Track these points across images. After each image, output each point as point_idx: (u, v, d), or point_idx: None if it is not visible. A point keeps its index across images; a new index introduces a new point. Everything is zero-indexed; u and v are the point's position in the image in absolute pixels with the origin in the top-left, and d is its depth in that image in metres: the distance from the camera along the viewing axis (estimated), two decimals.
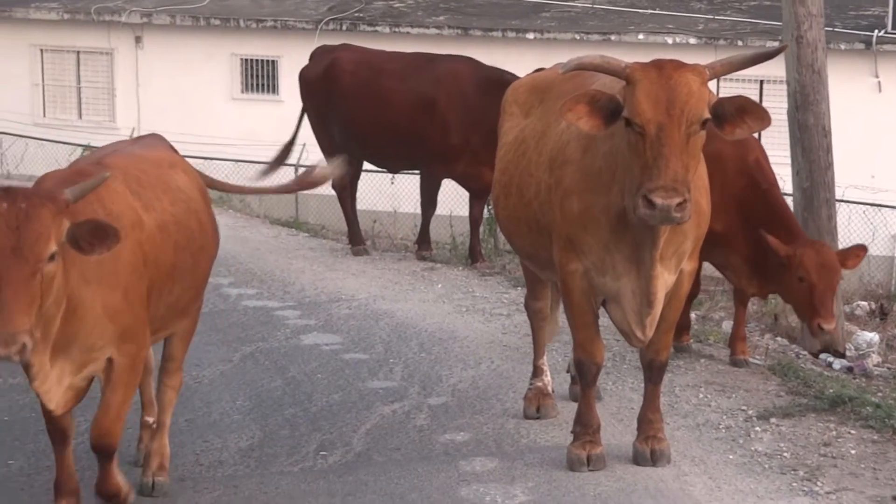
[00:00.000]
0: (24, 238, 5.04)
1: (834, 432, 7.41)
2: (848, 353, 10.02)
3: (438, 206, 12.98)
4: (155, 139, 6.97)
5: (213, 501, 6.43)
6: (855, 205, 17.55)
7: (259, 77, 25.13)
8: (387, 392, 8.24)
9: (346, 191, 13.32)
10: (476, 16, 24.43)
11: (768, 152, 8.85)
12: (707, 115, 5.89)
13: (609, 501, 6.34)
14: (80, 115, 26.38)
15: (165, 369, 6.65)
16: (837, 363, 9.64)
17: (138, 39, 25.70)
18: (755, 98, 6.50)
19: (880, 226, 19.00)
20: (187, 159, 6.86)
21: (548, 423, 7.51)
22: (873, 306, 14.10)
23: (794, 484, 6.60)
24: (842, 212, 12.18)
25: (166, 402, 6.63)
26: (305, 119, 13.48)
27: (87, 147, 19.90)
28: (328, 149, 13.30)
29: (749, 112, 6.03)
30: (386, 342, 9.54)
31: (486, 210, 12.99)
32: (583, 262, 6.49)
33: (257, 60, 25.08)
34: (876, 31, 21.59)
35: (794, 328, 10.41)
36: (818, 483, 6.61)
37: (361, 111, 12.68)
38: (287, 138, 13.27)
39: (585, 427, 6.78)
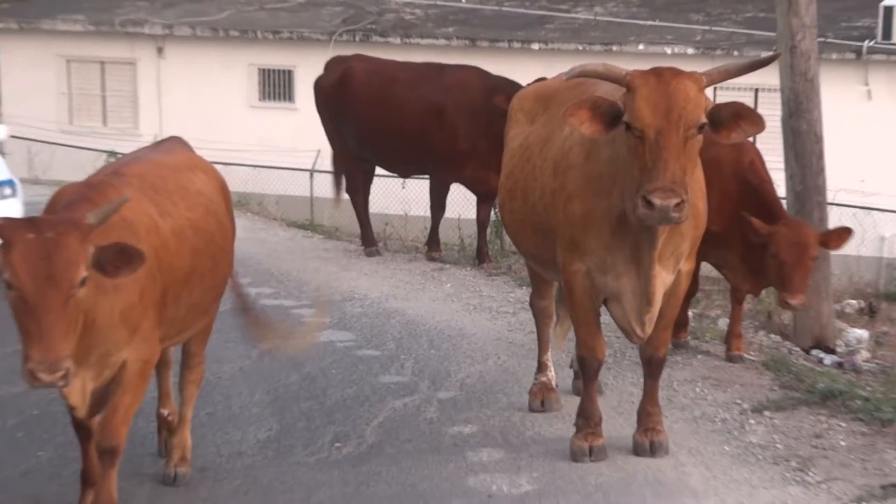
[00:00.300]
0: (55, 266, 4.99)
1: (825, 425, 7.50)
2: (838, 350, 10.12)
3: (447, 209, 13.11)
4: (175, 142, 7.01)
5: (232, 491, 6.53)
6: (845, 208, 17.53)
7: (275, 86, 25.16)
8: (398, 386, 8.37)
9: (360, 195, 13.48)
10: (483, 27, 24.43)
11: (763, 157, 8.85)
12: (704, 119, 5.98)
13: (610, 491, 6.44)
14: (104, 123, 26.41)
15: (187, 365, 6.74)
16: (828, 359, 9.70)
17: (160, 50, 25.78)
18: (750, 105, 6.55)
19: (869, 228, 18.98)
20: None
21: (552, 416, 7.62)
22: (863, 305, 14.19)
23: (787, 474, 6.69)
24: (833, 214, 12.09)
25: (188, 396, 6.73)
26: (320, 125, 13.64)
27: (111, 153, 20.04)
28: (341, 155, 13.53)
29: (744, 117, 6.12)
30: (397, 339, 9.68)
31: (492, 213, 13.10)
32: (585, 262, 6.59)
33: (274, 70, 25.14)
34: (866, 41, 21.67)
35: (786, 325, 10.50)
36: (810, 473, 6.69)
37: (373, 118, 12.83)
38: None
39: (587, 420, 6.90)
